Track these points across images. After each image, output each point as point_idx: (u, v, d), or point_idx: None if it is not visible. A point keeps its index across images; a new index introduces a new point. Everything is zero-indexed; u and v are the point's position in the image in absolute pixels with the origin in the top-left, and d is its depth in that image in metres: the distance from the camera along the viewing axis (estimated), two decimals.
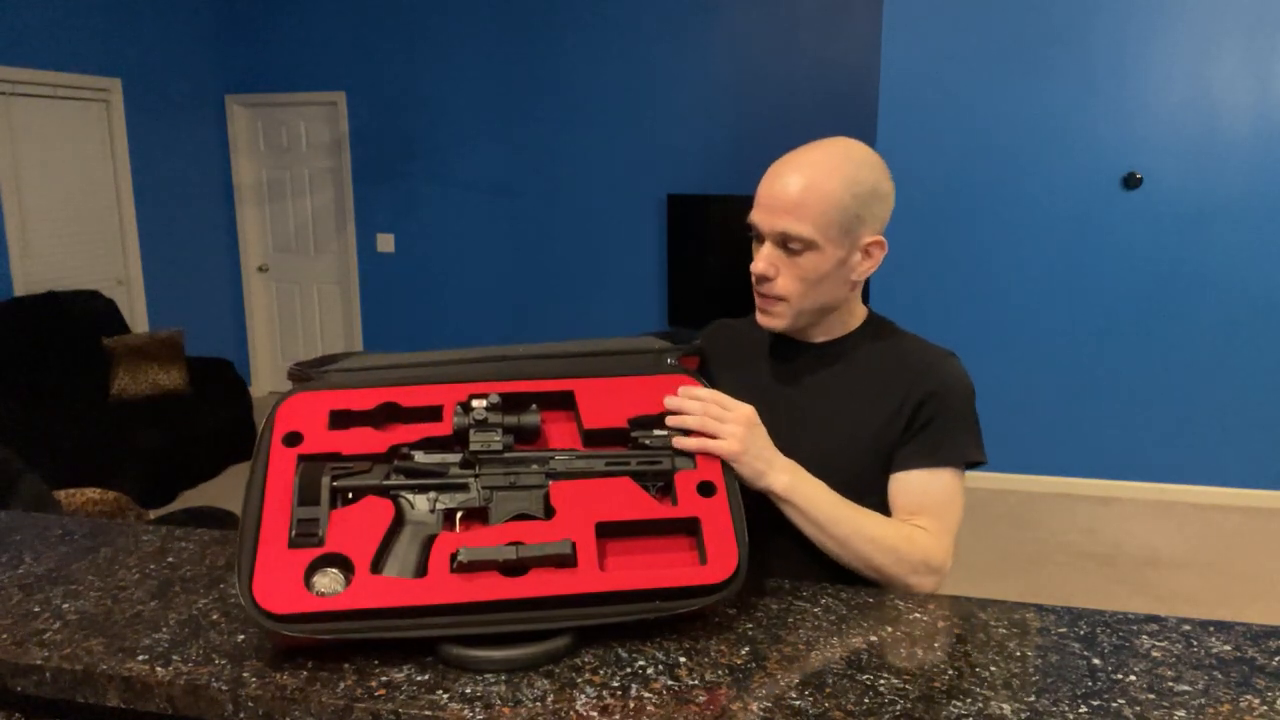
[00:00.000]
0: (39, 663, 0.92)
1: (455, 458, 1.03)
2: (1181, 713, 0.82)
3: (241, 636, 0.96)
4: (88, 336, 4.64)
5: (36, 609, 1.03)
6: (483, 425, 1.04)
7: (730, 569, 0.95)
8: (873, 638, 0.97)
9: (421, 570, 0.94)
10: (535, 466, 1.03)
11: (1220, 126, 4.02)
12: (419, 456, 1.04)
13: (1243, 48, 3.95)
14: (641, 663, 0.91)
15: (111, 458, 4.11)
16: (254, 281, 6.30)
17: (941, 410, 1.18)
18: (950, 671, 0.89)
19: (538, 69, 5.53)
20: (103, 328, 4.76)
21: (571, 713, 0.82)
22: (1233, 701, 0.84)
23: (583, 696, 0.85)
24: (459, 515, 1.01)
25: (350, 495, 1.01)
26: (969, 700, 0.84)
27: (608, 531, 0.99)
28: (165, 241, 5.59)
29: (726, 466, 1.05)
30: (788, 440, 1.20)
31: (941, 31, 4.19)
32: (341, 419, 1.06)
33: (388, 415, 1.08)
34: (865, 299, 1.29)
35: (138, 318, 5.37)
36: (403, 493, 1.01)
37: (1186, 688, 0.86)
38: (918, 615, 1.03)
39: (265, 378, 6.42)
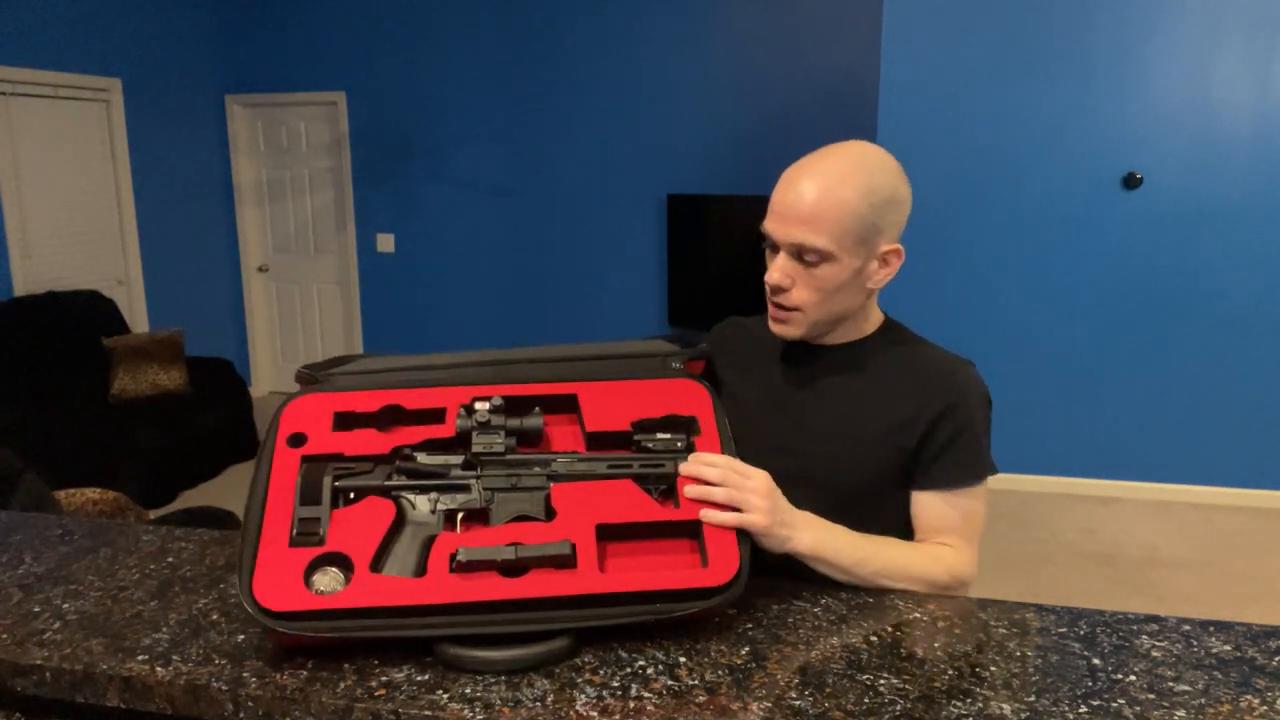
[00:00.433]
0: (39, 663, 0.92)
1: (457, 459, 1.04)
2: (1181, 713, 0.82)
3: (241, 636, 0.96)
4: (88, 336, 4.64)
5: (36, 609, 1.03)
6: (485, 427, 1.04)
7: (731, 572, 0.95)
8: (873, 638, 0.97)
9: (421, 570, 0.94)
10: (537, 469, 1.03)
11: (1220, 126, 4.02)
12: (421, 458, 1.04)
13: (1243, 48, 3.95)
14: (641, 663, 0.91)
15: (111, 458, 4.11)
16: (254, 281, 6.30)
17: (964, 425, 1.16)
18: (950, 671, 0.89)
19: (538, 69, 5.53)
20: (103, 328, 4.76)
21: (571, 713, 0.82)
22: (1233, 701, 0.84)
23: (583, 697, 0.85)
24: (460, 516, 1.01)
25: (352, 495, 1.01)
26: (969, 700, 0.84)
27: (609, 533, 0.99)
28: (165, 241, 5.59)
29: None
30: (797, 444, 1.20)
31: (942, 31, 4.19)
32: (345, 421, 1.06)
33: (391, 417, 1.08)
34: None
35: (138, 318, 5.37)
36: (404, 493, 1.01)
37: (1186, 688, 0.86)
38: (918, 615, 1.03)
39: (265, 378, 6.42)
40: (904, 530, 1.20)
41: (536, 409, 1.07)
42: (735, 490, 1.00)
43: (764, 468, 1.05)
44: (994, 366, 4.43)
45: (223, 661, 0.91)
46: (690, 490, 1.02)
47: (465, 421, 1.04)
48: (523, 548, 0.94)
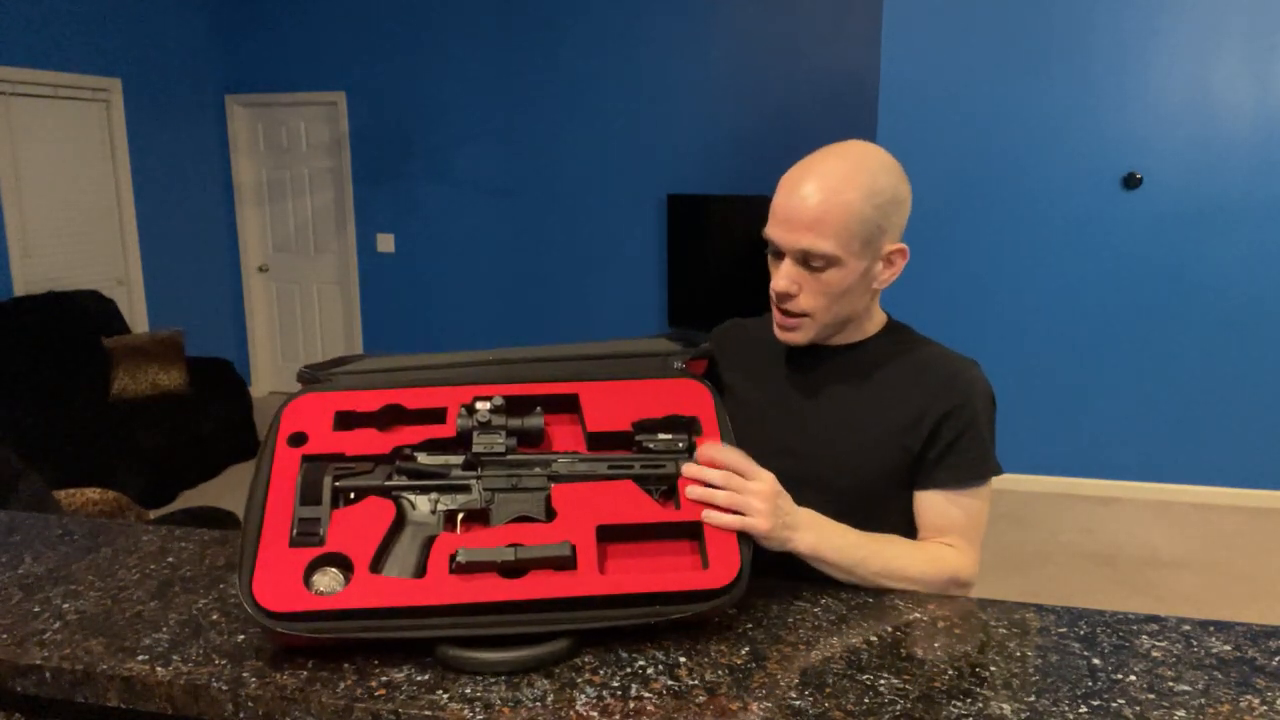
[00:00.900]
0: (39, 663, 0.92)
1: (458, 459, 1.03)
2: (1181, 713, 0.82)
3: (241, 636, 0.96)
4: (88, 336, 4.64)
5: (36, 609, 1.03)
6: (486, 427, 1.04)
7: (732, 574, 0.95)
8: (873, 638, 0.97)
9: (421, 571, 0.94)
10: (538, 469, 1.03)
11: (1220, 126, 4.02)
12: (422, 458, 1.04)
13: (1243, 48, 3.95)
14: (641, 663, 0.91)
15: (111, 458, 4.11)
16: (254, 281, 6.30)
17: (968, 426, 1.16)
18: (950, 671, 0.89)
19: (538, 69, 5.53)
20: (103, 328, 4.76)
21: (571, 713, 0.82)
22: (1233, 701, 0.84)
23: (583, 697, 0.85)
24: (460, 517, 1.01)
25: (352, 495, 1.01)
26: (969, 700, 0.84)
27: (609, 535, 0.99)
28: (165, 241, 5.59)
29: None
30: (801, 446, 1.19)
31: (942, 31, 4.19)
32: (346, 420, 1.06)
33: (392, 417, 1.08)
34: None
35: (138, 318, 5.37)
36: (404, 493, 1.01)
37: (1186, 688, 0.86)
38: (918, 615, 1.03)
39: (265, 378, 6.42)
40: (909, 531, 1.19)
41: (537, 409, 1.07)
42: (737, 493, 1.00)
43: (768, 469, 1.04)
44: (994, 366, 4.40)
45: (223, 661, 0.91)
46: (692, 492, 1.01)
47: (466, 421, 1.04)
48: (522, 549, 0.94)
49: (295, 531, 0.95)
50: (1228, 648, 0.94)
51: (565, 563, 0.94)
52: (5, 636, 0.96)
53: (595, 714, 0.82)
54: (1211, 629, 0.98)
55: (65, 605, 1.04)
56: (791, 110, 5.18)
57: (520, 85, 5.57)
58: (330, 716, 0.84)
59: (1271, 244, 4.06)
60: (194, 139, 5.83)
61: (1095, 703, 0.84)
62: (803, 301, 1.15)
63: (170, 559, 1.17)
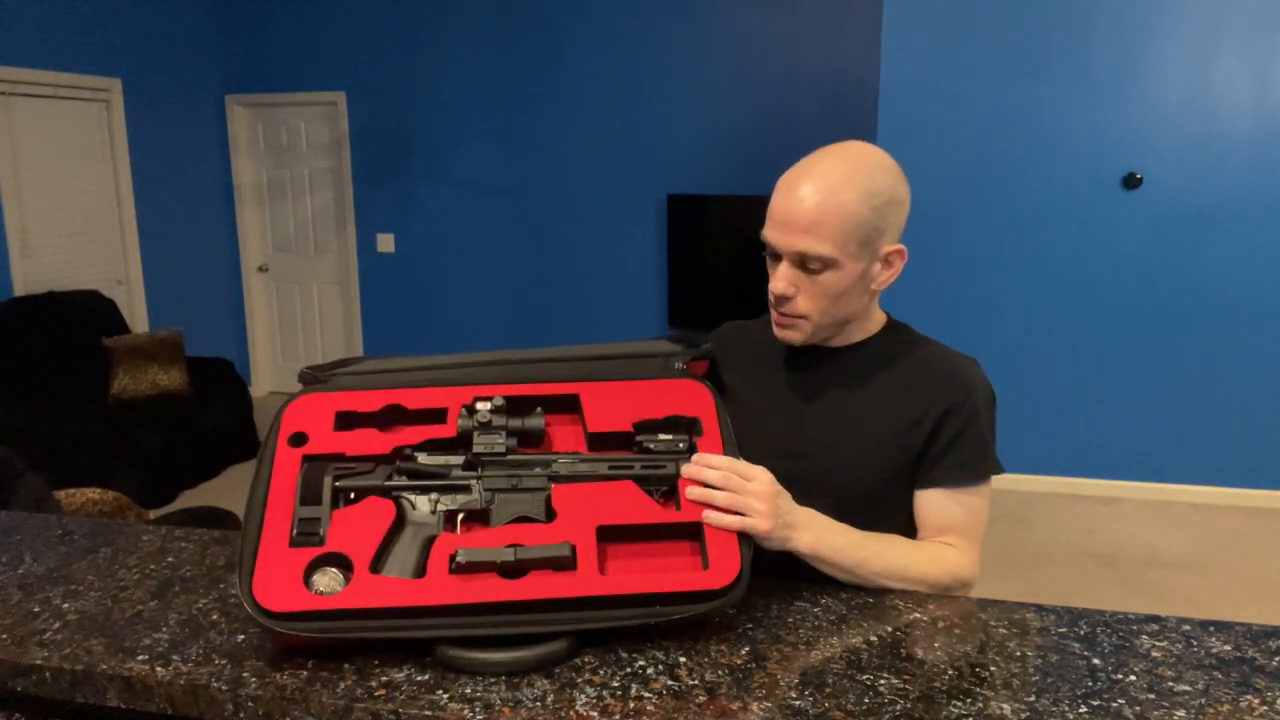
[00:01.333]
0: (39, 663, 0.92)
1: (458, 459, 1.03)
2: (1181, 713, 0.82)
3: (241, 636, 0.96)
4: (88, 336, 4.64)
5: (36, 609, 1.03)
6: (486, 428, 1.04)
7: (732, 574, 0.95)
8: (873, 638, 0.97)
9: (421, 571, 0.94)
10: (538, 469, 1.03)
11: (1220, 126, 4.02)
12: (422, 458, 1.04)
13: (1243, 48, 3.95)
14: (641, 663, 0.91)
15: (111, 458, 4.11)
16: (254, 281, 6.30)
17: (969, 424, 1.16)
18: (950, 671, 0.89)
19: (537, 69, 5.53)
20: (103, 328, 4.76)
21: (571, 713, 0.82)
22: (1233, 701, 0.84)
23: (583, 697, 0.85)
24: (460, 517, 1.01)
25: (352, 495, 1.01)
26: (969, 700, 0.84)
27: (609, 535, 0.99)
28: (165, 241, 5.59)
29: None
30: (802, 448, 1.19)
31: (941, 31, 4.19)
32: (347, 420, 1.06)
33: (393, 417, 1.08)
34: None
35: (138, 318, 5.37)
36: (404, 494, 1.01)
37: (1186, 688, 0.86)
38: (918, 615, 1.03)
39: (265, 378, 6.42)
40: (910, 532, 1.19)
41: (538, 409, 1.07)
42: (737, 493, 1.00)
43: (769, 470, 1.04)
44: (994, 366, 4.40)
45: (223, 661, 0.91)
46: (692, 492, 1.01)
47: (466, 422, 1.04)
48: (522, 549, 0.94)
49: (295, 531, 0.95)
50: (1228, 648, 0.94)
51: (565, 563, 0.94)
52: (5, 636, 0.96)
53: (595, 714, 0.82)
54: (1211, 629, 0.98)
55: (65, 605, 1.04)
56: (791, 110, 5.18)
57: (520, 85, 5.57)
58: (330, 716, 0.84)
59: (1271, 244, 4.06)
60: (194, 139, 5.83)
61: (1095, 703, 0.84)
62: (800, 303, 1.15)
63: (170, 559, 1.17)
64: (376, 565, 0.94)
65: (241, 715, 0.86)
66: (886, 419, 1.18)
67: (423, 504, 1.01)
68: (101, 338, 4.66)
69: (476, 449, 1.03)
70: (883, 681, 0.87)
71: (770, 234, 1.13)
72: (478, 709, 0.83)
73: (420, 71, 5.70)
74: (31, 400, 4.24)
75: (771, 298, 1.17)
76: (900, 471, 1.17)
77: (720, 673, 0.89)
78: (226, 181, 6.11)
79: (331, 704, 0.84)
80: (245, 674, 0.89)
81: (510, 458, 1.03)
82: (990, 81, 4.19)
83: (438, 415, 1.08)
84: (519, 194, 5.72)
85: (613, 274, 5.65)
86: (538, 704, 0.84)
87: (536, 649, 0.90)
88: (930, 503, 1.17)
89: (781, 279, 1.14)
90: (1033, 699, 0.84)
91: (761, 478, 1.02)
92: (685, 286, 5.42)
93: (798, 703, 0.84)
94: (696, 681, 0.88)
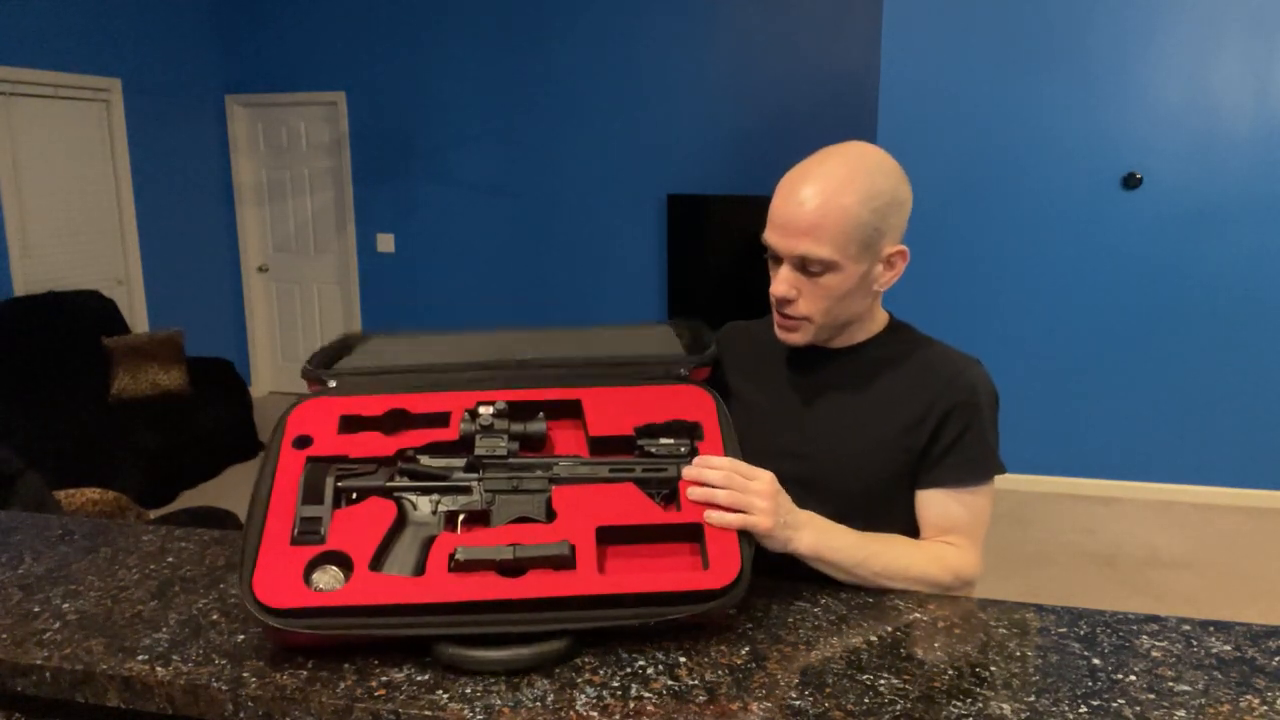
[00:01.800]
0: (39, 663, 0.92)
1: (460, 462, 1.04)
2: (1181, 713, 0.82)
3: (241, 636, 0.96)
4: (88, 336, 4.64)
5: (36, 609, 1.03)
6: (489, 431, 1.04)
7: (732, 575, 0.95)
8: (873, 638, 0.97)
9: (420, 570, 0.94)
10: (539, 472, 1.03)
11: (1220, 126, 4.01)
12: (424, 460, 1.04)
13: (1242, 48, 3.95)
14: (641, 663, 0.91)
15: (111, 458, 4.11)
16: (254, 281, 6.30)
17: (971, 424, 1.15)
18: (950, 671, 0.89)
19: (538, 69, 5.53)
20: (103, 328, 4.76)
21: (571, 713, 0.82)
22: (1233, 701, 0.84)
23: (583, 697, 0.85)
24: (461, 518, 1.01)
25: (354, 495, 1.02)
26: (969, 700, 0.84)
27: (609, 536, 0.99)
28: (165, 241, 5.59)
29: None
30: (805, 449, 1.19)
31: (941, 31, 4.19)
32: (351, 424, 1.07)
33: (397, 421, 1.09)
34: None
35: (138, 318, 5.37)
36: (406, 494, 1.02)
37: (1186, 688, 0.86)
38: (918, 615, 1.03)
39: (265, 378, 6.42)
40: (912, 532, 1.19)
41: (540, 414, 1.08)
42: (739, 492, 1.00)
43: (771, 472, 1.04)
44: (994, 366, 4.39)
45: (223, 661, 0.91)
46: (693, 493, 1.01)
47: (469, 425, 1.05)
48: (521, 548, 0.94)
49: (296, 530, 0.96)
50: (1228, 648, 0.94)
51: (564, 562, 0.94)
52: (5, 636, 0.96)
53: (595, 714, 0.82)
54: (1211, 629, 0.98)
55: (65, 605, 1.04)
56: (791, 110, 5.18)
57: (520, 85, 5.57)
58: (330, 716, 0.84)
59: (1271, 244, 4.06)
60: (194, 139, 5.83)
61: (1095, 703, 0.84)
62: (802, 306, 1.15)
63: (170, 559, 1.17)
64: (377, 564, 0.95)
65: (241, 715, 0.86)
66: (889, 419, 1.18)
67: (424, 505, 1.01)
68: (101, 338, 4.66)
69: (478, 451, 1.03)
70: (883, 681, 0.87)
71: (771, 237, 1.13)
72: (478, 709, 0.83)
73: (420, 71, 5.70)
74: (31, 400, 4.24)
75: (773, 300, 1.17)
76: (903, 472, 1.17)
77: (720, 673, 0.89)
78: (226, 181, 6.11)
79: (331, 704, 0.84)
80: (245, 674, 0.89)
81: (511, 460, 1.04)
82: (990, 81, 4.19)
83: (441, 419, 1.08)
84: (519, 194, 5.72)
85: (613, 274, 5.65)
86: (538, 704, 0.84)
87: (534, 647, 0.90)
88: (932, 502, 1.17)
89: (783, 282, 1.14)
90: (1033, 699, 0.84)
91: (763, 477, 1.02)
92: (685, 286, 5.41)
93: (798, 703, 0.84)
94: (696, 681, 0.88)
